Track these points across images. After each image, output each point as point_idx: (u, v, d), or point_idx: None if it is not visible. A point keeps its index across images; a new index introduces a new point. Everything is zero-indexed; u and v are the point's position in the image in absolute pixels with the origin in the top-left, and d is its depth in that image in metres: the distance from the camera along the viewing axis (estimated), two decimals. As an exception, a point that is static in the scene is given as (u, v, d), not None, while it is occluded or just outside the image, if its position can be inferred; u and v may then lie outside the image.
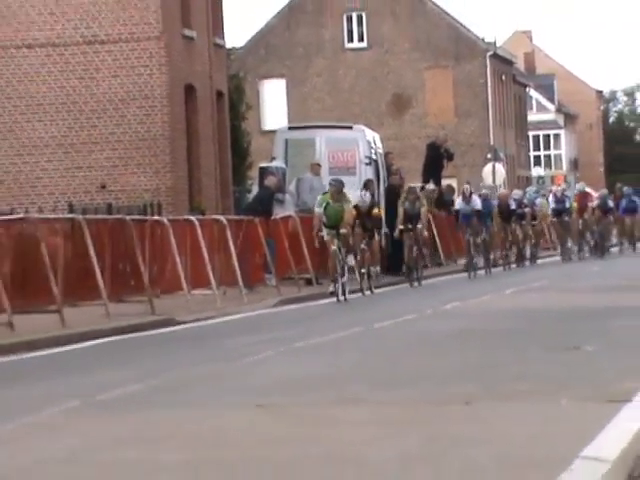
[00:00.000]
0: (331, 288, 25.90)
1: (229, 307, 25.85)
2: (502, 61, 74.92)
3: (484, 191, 40.77)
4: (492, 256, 38.12)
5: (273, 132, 40.92)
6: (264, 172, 32.44)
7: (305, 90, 64.90)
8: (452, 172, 46.05)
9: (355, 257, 27.36)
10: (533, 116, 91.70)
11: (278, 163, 33.28)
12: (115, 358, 18.18)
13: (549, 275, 37.38)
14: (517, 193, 43.11)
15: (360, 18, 67.52)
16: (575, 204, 43.10)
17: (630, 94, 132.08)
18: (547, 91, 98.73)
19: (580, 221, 42.92)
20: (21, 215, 25.60)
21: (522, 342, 17.24)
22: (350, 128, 37.92)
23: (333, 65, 66.34)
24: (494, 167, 46.13)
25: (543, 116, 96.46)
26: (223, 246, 27.42)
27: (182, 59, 37.18)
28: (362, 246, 28.07)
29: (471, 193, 33.64)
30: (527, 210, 41.18)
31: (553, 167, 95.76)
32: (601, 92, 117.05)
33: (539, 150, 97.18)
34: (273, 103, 63.35)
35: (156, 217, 29.35)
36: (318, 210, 26.04)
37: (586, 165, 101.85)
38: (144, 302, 24.33)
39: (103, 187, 35.65)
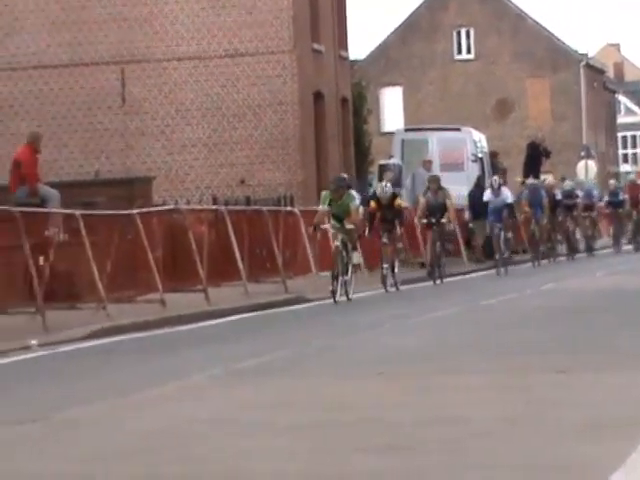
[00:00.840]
0: (330, 287, 21.25)
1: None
2: (594, 70, 74.53)
3: (530, 181, 36.17)
4: (541, 248, 33.93)
5: (391, 133, 43.08)
6: (383, 168, 33.37)
7: (419, 96, 65.72)
8: (549, 168, 45.30)
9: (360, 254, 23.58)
10: (622, 119, 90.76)
11: (395, 160, 34.09)
12: (253, 331, 18.37)
13: (624, 262, 34.55)
14: (568, 184, 39.45)
15: (468, 33, 68.11)
16: (626, 196, 39.66)
17: None
18: (634, 97, 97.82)
19: (634, 212, 38.81)
20: (171, 207, 26.02)
21: (614, 319, 16.96)
22: (459, 130, 38.59)
23: (444, 74, 67.06)
24: (587, 164, 44.91)
25: (630, 119, 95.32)
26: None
27: (311, 70, 37.64)
28: (384, 240, 24.12)
29: (500, 185, 28.60)
30: (578, 201, 37.69)
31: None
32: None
33: (627, 149, 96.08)
34: (391, 108, 64.30)
35: (289, 208, 29.52)
36: (322, 207, 22.35)
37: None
38: (278, 282, 24.49)
39: (242, 182, 36.37)
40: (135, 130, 36.66)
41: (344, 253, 21.21)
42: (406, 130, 41.80)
